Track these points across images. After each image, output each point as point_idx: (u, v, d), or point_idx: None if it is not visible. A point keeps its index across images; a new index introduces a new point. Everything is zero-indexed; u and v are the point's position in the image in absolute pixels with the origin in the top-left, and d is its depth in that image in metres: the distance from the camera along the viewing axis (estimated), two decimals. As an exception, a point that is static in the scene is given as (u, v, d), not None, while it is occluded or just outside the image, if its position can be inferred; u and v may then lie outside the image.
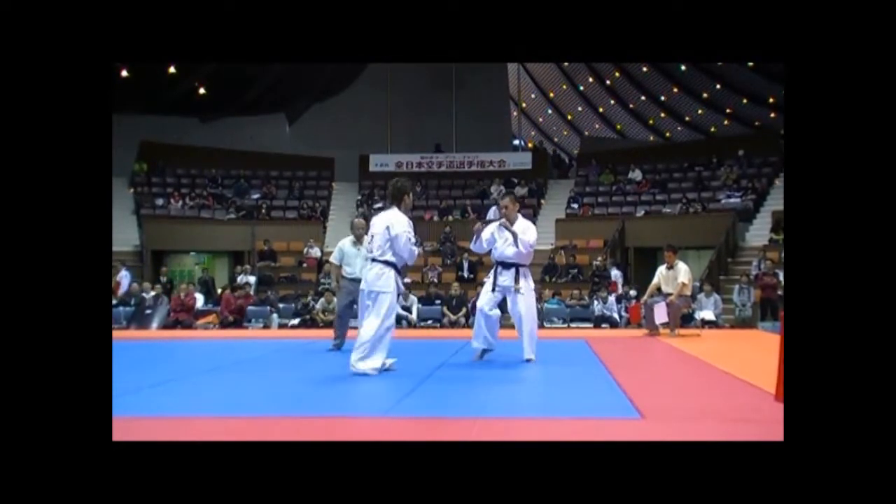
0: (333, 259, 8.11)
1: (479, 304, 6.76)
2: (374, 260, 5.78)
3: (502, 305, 6.73)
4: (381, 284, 5.66)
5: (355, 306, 7.69)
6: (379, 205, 20.78)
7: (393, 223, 5.75)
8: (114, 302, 13.67)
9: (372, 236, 5.86)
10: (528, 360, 6.43)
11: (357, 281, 7.68)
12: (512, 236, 6.47)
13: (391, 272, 5.70)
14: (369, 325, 5.64)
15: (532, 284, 6.76)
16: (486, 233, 6.62)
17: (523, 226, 6.60)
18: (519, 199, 21.45)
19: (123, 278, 15.23)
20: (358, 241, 7.92)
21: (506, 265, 6.55)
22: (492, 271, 6.71)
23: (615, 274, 16.12)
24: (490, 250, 6.72)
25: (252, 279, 15.69)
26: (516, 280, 6.49)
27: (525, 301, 6.53)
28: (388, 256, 5.73)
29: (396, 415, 4.19)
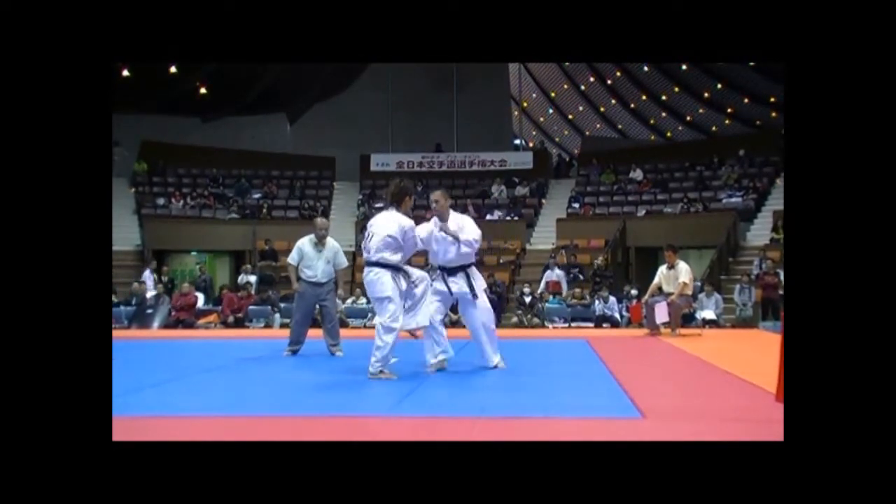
0: (291, 260, 7.58)
1: (428, 318, 5.75)
2: (368, 263, 5.51)
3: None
4: (377, 290, 5.44)
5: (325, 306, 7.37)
6: (379, 204, 20.82)
7: (394, 228, 5.46)
8: (116, 300, 13.71)
9: (371, 235, 5.53)
10: (497, 367, 5.98)
11: (318, 284, 7.47)
12: (452, 239, 5.85)
13: (386, 273, 5.43)
14: (377, 331, 5.47)
15: (483, 283, 6.20)
16: (422, 231, 5.89)
17: (459, 223, 5.94)
18: (519, 199, 21.42)
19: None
20: (319, 241, 7.50)
21: (451, 270, 5.96)
22: (436, 276, 5.99)
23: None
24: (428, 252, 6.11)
25: (253, 278, 15.71)
26: (469, 284, 5.94)
27: (481, 306, 5.99)
28: (384, 257, 5.44)
29: (396, 414, 4.19)
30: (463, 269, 5.99)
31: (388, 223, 5.51)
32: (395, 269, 5.51)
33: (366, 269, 5.56)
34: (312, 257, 7.47)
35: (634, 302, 13.31)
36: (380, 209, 5.88)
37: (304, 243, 7.54)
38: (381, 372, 5.40)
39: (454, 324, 12.98)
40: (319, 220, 7.89)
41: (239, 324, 13.34)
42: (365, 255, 5.61)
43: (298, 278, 7.57)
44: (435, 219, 6.02)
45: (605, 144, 28.67)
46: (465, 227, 5.94)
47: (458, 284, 5.95)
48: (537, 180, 21.85)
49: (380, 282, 5.44)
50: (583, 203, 20.27)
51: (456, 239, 5.86)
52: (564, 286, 15.47)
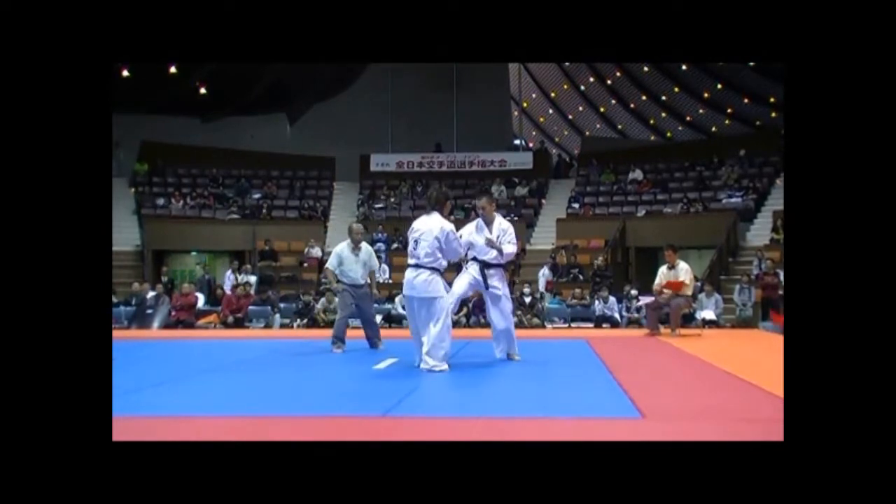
0: (330, 265, 8.04)
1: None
2: (418, 266, 5.86)
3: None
4: (431, 290, 5.81)
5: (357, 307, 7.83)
6: (379, 204, 20.81)
7: (437, 229, 5.87)
8: (117, 300, 13.71)
9: (416, 241, 5.91)
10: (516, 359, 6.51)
11: (358, 286, 7.90)
12: (496, 250, 6.44)
13: (439, 277, 5.86)
14: (432, 330, 5.80)
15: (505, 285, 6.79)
16: (464, 232, 6.50)
17: (503, 226, 6.58)
18: (519, 199, 21.41)
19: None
20: (356, 246, 7.89)
21: (489, 265, 6.53)
22: (475, 268, 6.56)
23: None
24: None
25: (253, 279, 15.68)
26: (501, 281, 6.57)
27: (507, 304, 6.61)
28: (436, 263, 5.84)
29: (397, 415, 4.19)
30: (498, 267, 6.53)
31: (432, 226, 5.91)
32: (441, 274, 5.91)
33: (414, 270, 5.87)
34: (352, 261, 7.83)
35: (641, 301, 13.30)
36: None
37: (343, 249, 7.91)
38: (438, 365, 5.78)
39: (455, 324, 12.99)
40: (356, 226, 8.22)
41: (239, 324, 13.34)
42: (413, 259, 5.95)
43: (338, 280, 7.91)
44: (479, 221, 6.60)
45: (605, 144, 28.62)
46: (508, 230, 6.55)
47: (494, 280, 6.47)
48: (537, 180, 21.83)
49: (435, 282, 5.83)
50: (583, 203, 20.26)
51: (500, 251, 6.44)
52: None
